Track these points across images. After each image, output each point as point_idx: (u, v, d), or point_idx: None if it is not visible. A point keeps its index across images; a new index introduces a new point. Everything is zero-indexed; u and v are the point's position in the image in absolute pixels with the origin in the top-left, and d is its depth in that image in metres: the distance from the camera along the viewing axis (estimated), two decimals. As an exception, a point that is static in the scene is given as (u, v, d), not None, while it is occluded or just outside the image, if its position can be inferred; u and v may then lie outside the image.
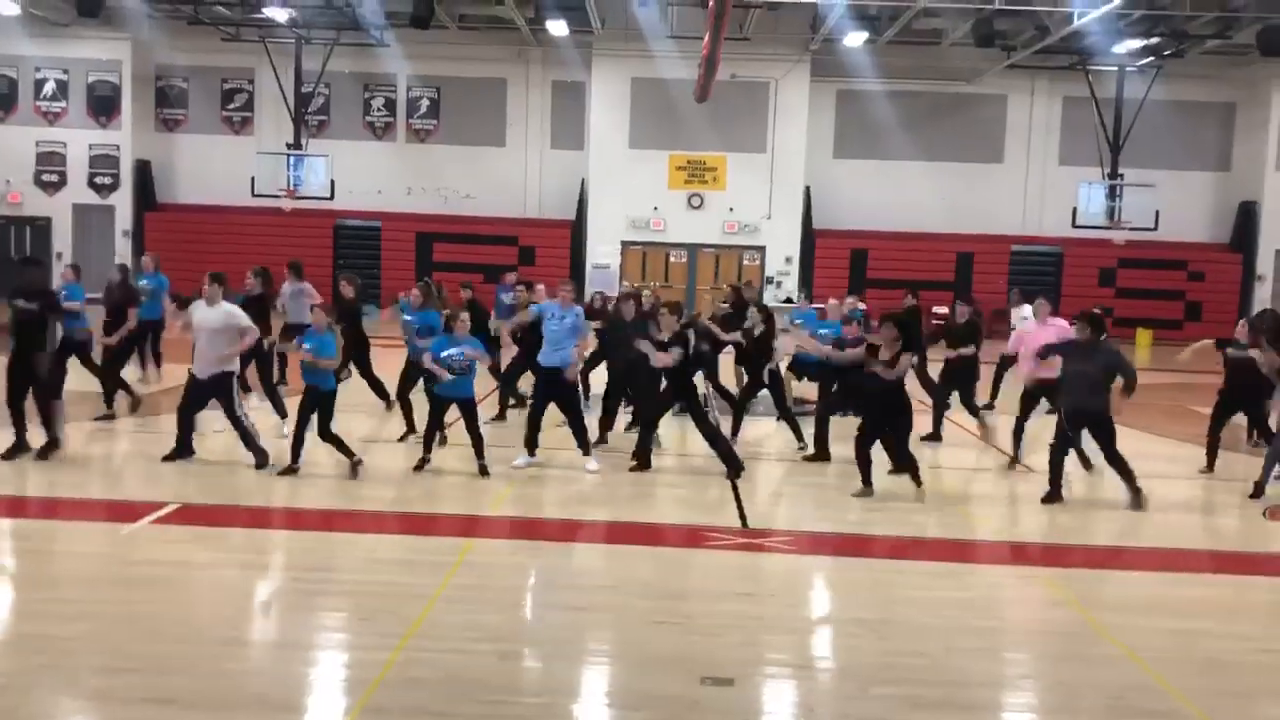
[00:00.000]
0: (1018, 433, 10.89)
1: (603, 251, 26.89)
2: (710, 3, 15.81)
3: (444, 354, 9.71)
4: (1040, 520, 9.24)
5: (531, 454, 10.17)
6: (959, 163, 27.56)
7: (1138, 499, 9.29)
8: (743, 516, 8.81)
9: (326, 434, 9.56)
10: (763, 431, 12.40)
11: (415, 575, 7.10)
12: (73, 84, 27.32)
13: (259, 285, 11.87)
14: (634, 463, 10.16)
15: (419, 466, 9.82)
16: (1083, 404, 9.23)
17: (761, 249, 27.17)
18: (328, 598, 6.69)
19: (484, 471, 9.73)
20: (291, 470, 9.47)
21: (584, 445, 10.26)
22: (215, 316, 9.76)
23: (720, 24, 15.76)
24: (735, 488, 9.68)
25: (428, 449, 9.89)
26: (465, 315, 10.15)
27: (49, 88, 27.35)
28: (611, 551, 8.08)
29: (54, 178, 27.49)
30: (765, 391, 11.56)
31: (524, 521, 8.74)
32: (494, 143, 28.04)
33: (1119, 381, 9.12)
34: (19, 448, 9.64)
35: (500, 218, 27.57)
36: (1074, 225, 26.25)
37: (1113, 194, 25.87)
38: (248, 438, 9.73)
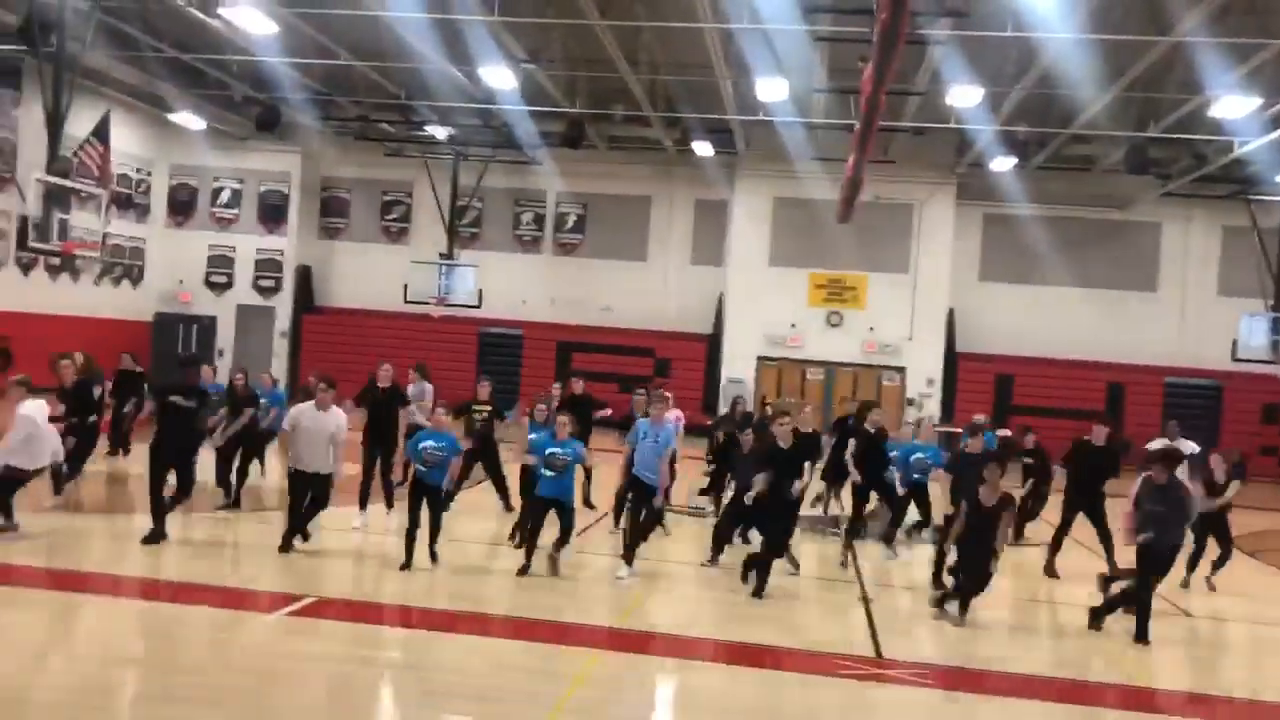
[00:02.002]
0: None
1: (738, 366, 26.89)
2: (855, 126, 15.96)
3: (547, 451, 9.81)
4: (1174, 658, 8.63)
5: (631, 565, 10.10)
6: (1110, 290, 26.78)
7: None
8: (876, 644, 8.48)
9: (435, 529, 9.79)
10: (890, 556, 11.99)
11: (538, 682, 7.02)
12: (246, 193, 29.17)
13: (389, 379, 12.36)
14: (753, 586, 9.85)
15: (521, 571, 9.80)
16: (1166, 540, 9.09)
17: (902, 370, 26.74)
18: (452, 699, 6.67)
19: (554, 571, 9.76)
20: (404, 567, 9.63)
21: (630, 554, 10.13)
22: (326, 424, 10.08)
23: (865, 146, 15.85)
24: (869, 613, 9.34)
25: (529, 554, 9.89)
26: (565, 419, 10.21)
27: (224, 195, 29.25)
28: (735, 673, 7.83)
29: (222, 279, 29.19)
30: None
31: (644, 635, 8.59)
32: (636, 257, 28.63)
33: None
34: (158, 535, 10.03)
35: (638, 330, 27.95)
36: (1234, 358, 25.04)
37: (1277, 327, 24.65)
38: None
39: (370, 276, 28.83)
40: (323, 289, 29.69)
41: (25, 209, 22.27)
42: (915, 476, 12.08)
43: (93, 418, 12.15)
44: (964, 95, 18.47)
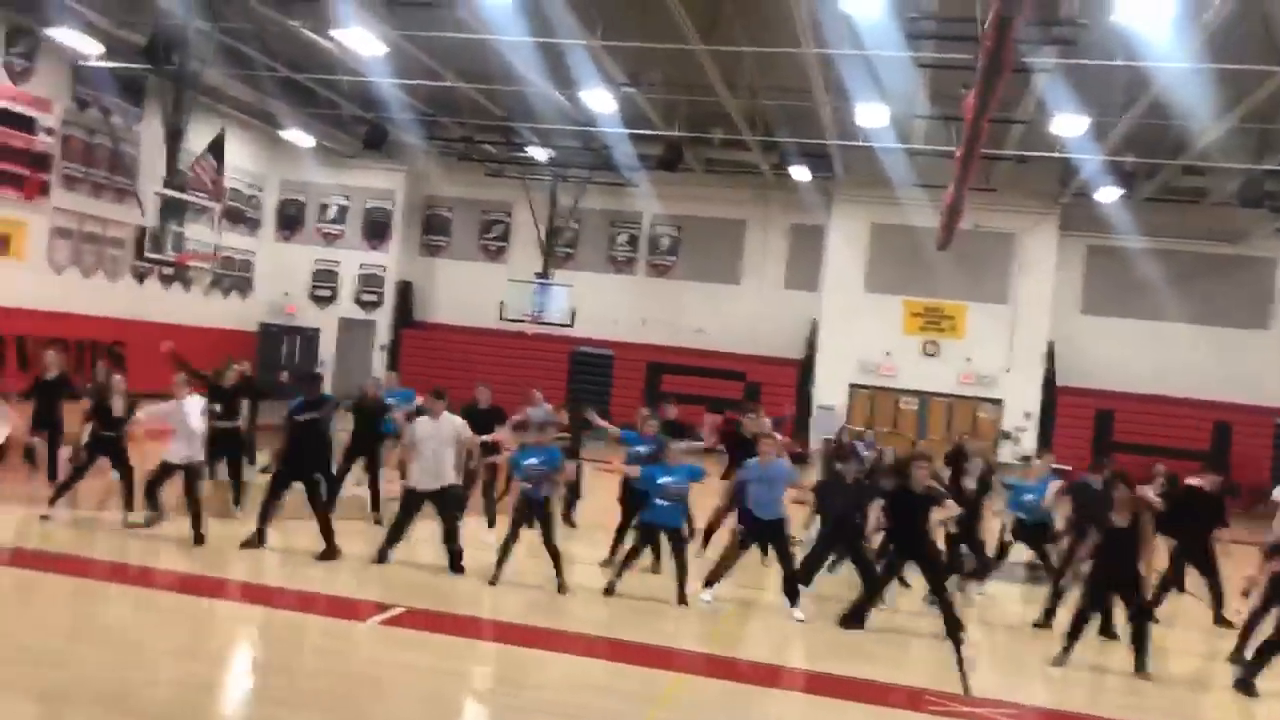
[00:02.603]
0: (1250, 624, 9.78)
1: (829, 393, 26.66)
2: (956, 153, 15.77)
3: (659, 481, 9.79)
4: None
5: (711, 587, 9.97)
6: (1220, 326, 25.89)
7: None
8: (965, 683, 8.31)
9: (551, 544, 9.82)
10: (992, 593, 11.73)
11: (620, 703, 7.05)
12: (351, 209, 29.97)
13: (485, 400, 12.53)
14: (848, 619, 9.71)
15: (609, 590, 9.83)
16: None
17: (998, 402, 26.22)
18: (535, 716, 6.74)
19: (682, 599, 9.66)
20: (493, 581, 9.75)
21: (793, 593, 9.95)
22: (444, 430, 10.24)
23: (966, 174, 15.66)
24: (959, 652, 9.16)
25: (619, 573, 9.91)
26: (678, 444, 10.21)
27: (331, 211, 30.09)
28: (819, 704, 7.75)
29: (326, 293, 29.99)
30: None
31: (730, 661, 8.55)
32: (729, 280, 28.63)
33: None
34: (258, 539, 10.32)
35: (729, 353, 27.90)
36: (1354, 400, 24.03)
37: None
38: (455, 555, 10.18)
39: (468, 293, 29.34)
40: (422, 304, 30.31)
41: (144, 220, 23.26)
42: (1024, 518, 11.61)
43: (238, 423, 12.45)
44: (1069, 124, 18.11)
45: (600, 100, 19.68)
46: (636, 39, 17.50)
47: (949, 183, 17.29)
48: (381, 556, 10.23)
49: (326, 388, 13.51)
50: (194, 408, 10.52)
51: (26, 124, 21.17)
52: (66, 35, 19.22)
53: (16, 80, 20.86)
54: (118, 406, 11.07)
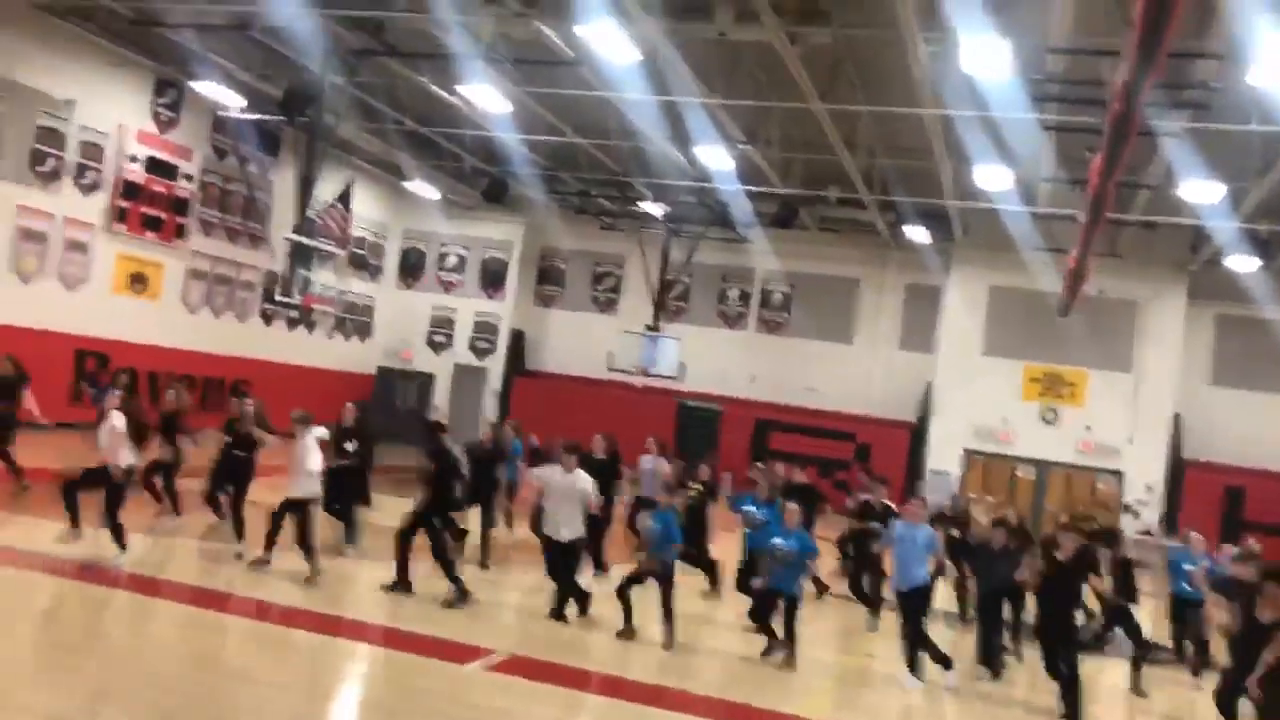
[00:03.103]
0: None
1: (943, 458, 26.02)
2: (1081, 217, 15.38)
3: (772, 542, 9.64)
4: None
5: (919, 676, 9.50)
6: (1363, 402, 24.55)
7: None
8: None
9: (668, 608, 9.73)
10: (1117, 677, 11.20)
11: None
12: (470, 258, 30.68)
13: (604, 451, 12.53)
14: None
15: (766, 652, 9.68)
16: None
17: (1119, 474, 25.24)
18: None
19: (790, 664, 9.46)
20: (627, 633, 9.71)
21: (943, 660, 9.58)
22: (568, 482, 10.30)
23: (1090, 239, 15.26)
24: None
25: (770, 636, 9.73)
26: (794, 507, 10.03)
27: (450, 260, 30.84)
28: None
29: (442, 339, 30.66)
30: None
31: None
32: (842, 339, 28.34)
33: None
34: (400, 584, 10.46)
35: (840, 413, 27.53)
36: None
37: None
38: (582, 597, 10.14)
39: (578, 343, 29.65)
40: (534, 353, 30.73)
41: (273, 264, 24.17)
42: (1186, 588, 10.95)
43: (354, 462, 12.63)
44: (1200, 189, 17.52)
45: (717, 157, 19.82)
46: (754, 97, 17.62)
47: (1072, 247, 16.86)
48: (557, 613, 10.23)
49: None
50: (312, 444, 10.77)
51: (169, 171, 22.32)
52: (210, 88, 20.27)
53: (162, 129, 22.04)
54: (252, 431, 11.46)
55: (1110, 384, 25.22)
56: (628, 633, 9.72)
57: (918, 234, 24.61)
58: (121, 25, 18.55)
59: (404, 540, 10.44)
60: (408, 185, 27.30)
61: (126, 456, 10.13)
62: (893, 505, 11.88)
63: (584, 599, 10.22)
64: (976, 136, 17.02)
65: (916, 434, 26.70)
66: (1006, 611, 10.40)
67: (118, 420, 10.19)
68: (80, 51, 19.56)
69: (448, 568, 10.36)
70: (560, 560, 10.21)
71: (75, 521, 10.10)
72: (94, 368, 20.41)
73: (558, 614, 10.17)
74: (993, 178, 18.55)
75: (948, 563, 10.91)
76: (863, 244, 27.37)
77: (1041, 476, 25.73)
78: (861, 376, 27.97)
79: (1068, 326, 23.78)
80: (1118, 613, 10.61)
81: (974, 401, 25.80)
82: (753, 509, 11.05)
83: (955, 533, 12.13)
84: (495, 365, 30.13)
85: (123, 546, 10.08)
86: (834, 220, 26.20)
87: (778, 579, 9.59)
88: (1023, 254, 23.64)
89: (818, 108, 16.87)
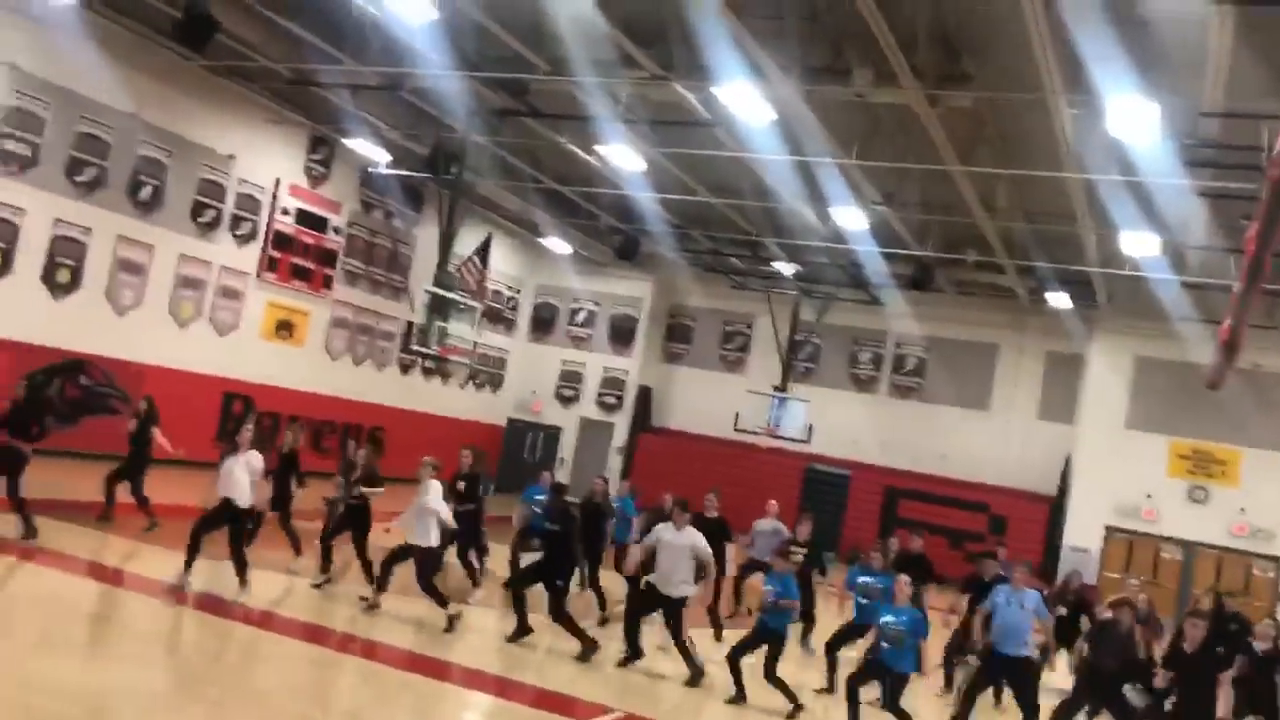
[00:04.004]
0: None
1: (1083, 534, 24.89)
2: (1235, 287, 14.66)
3: (882, 620, 9.29)
4: None
5: None
6: None
7: None
8: None
9: (772, 675, 9.53)
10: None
11: None
12: (600, 314, 31.04)
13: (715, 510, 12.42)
14: None
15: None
16: None
17: (1276, 560, 23.70)
18: None
19: None
20: (739, 699, 9.54)
21: None
22: (684, 541, 10.20)
23: (1245, 310, 14.49)
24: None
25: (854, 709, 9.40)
26: (905, 578, 9.68)
27: (581, 315, 31.26)
28: None
29: (571, 393, 30.99)
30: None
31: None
32: (977, 406, 27.54)
33: None
34: (522, 631, 10.52)
35: (973, 483, 26.67)
36: None
37: None
38: (689, 657, 9.96)
39: (705, 402, 29.56)
40: (660, 410, 30.77)
41: (412, 316, 24.91)
42: None
43: (471, 507, 12.83)
44: (1371, 260, 16.51)
45: (851, 217, 19.66)
46: (891, 158, 17.43)
47: (1225, 317, 16.06)
48: (631, 655, 10.21)
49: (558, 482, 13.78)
50: (436, 493, 10.94)
51: (319, 224, 23.32)
52: (360, 145, 21.20)
53: (314, 184, 23.07)
54: (361, 478, 11.74)
55: (1266, 464, 23.76)
56: (739, 699, 9.54)
57: (1059, 300, 23.85)
58: (280, 85, 19.55)
59: (519, 593, 10.49)
60: (543, 241, 27.89)
61: (252, 493, 10.50)
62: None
63: (696, 670, 10.06)
64: (1123, 201, 16.46)
65: (1055, 508, 25.64)
66: (1135, 698, 9.77)
67: (256, 459, 10.57)
68: (242, 109, 20.69)
69: (570, 625, 10.34)
70: (668, 617, 10.09)
71: (189, 564, 10.41)
72: (240, 410, 21.28)
73: (628, 660, 10.11)
74: (1140, 244, 17.89)
75: (1054, 641, 10.38)
76: (1001, 309, 26.66)
77: (1189, 558, 24.34)
78: (997, 446, 27.08)
79: (1219, 401, 22.54)
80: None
81: (1116, 476, 24.65)
82: (869, 579, 10.72)
83: (1063, 611, 11.62)
84: (621, 421, 30.26)
85: (244, 582, 10.39)
86: (972, 284, 25.63)
87: (885, 655, 9.26)
88: (1171, 323, 22.63)
89: (957, 170, 16.59)
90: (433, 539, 10.70)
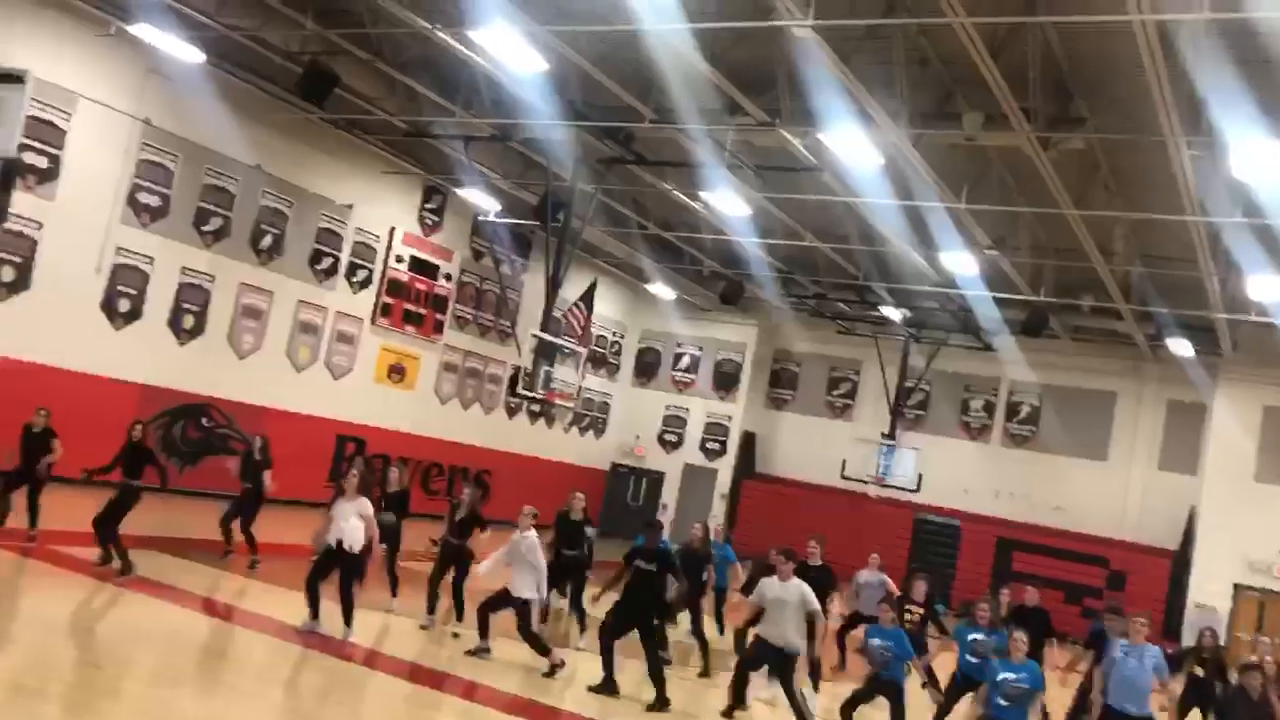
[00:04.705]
0: None
1: (1209, 591, 23.71)
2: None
3: (999, 678, 8.94)
4: None
5: None
6: None
7: None
8: None
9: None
10: None
11: None
12: (704, 359, 31.00)
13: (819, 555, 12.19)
14: None
15: None
16: None
17: None
18: None
19: None
20: None
21: None
22: (785, 592, 10.01)
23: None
24: None
25: None
26: (1020, 634, 9.30)
27: (684, 360, 31.28)
28: None
29: (674, 438, 30.95)
30: None
31: None
32: (1094, 456, 26.60)
33: None
34: (608, 683, 10.40)
35: (1090, 535, 25.71)
36: None
37: None
38: (801, 711, 9.79)
39: (810, 449, 29.21)
40: (765, 456, 30.49)
41: (519, 360, 25.25)
42: None
43: (579, 553, 12.77)
44: None
45: (961, 262, 19.33)
46: (1002, 202, 17.11)
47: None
48: (729, 710, 10.08)
49: (666, 531, 13.68)
50: (535, 543, 10.97)
51: (431, 271, 23.89)
52: (471, 194, 21.70)
53: (427, 232, 23.68)
54: (466, 519, 11.90)
55: None
56: None
57: (1180, 347, 22.97)
58: (396, 137, 20.18)
59: (606, 640, 10.40)
60: (648, 287, 28.05)
61: (362, 536, 10.69)
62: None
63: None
64: (1248, 245, 15.84)
65: (1177, 563, 24.52)
66: None
67: (365, 505, 10.79)
68: (359, 161, 21.41)
69: (658, 674, 10.22)
70: (778, 671, 9.91)
71: (315, 612, 10.64)
72: (352, 451, 21.78)
73: (731, 710, 9.98)
74: (1268, 289, 17.16)
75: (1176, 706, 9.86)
76: (1119, 356, 25.82)
77: (1327, 620, 23.00)
78: (1116, 497, 26.09)
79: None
80: None
81: (1246, 531, 23.46)
82: (978, 635, 10.31)
83: (1200, 671, 11.02)
84: (725, 466, 30.06)
85: (349, 624, 10.57)
86: (1088, 330, 24.90)
87: (1001, 713, 8.90)
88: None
89: (1071, 213, 16.20)
90: (529, 591, 10.75)
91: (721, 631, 14.04)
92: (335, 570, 10.67)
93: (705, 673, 11.98)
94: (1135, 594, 23.10)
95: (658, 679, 10.16)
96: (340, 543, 10.61)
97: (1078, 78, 13.35)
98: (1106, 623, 11.12)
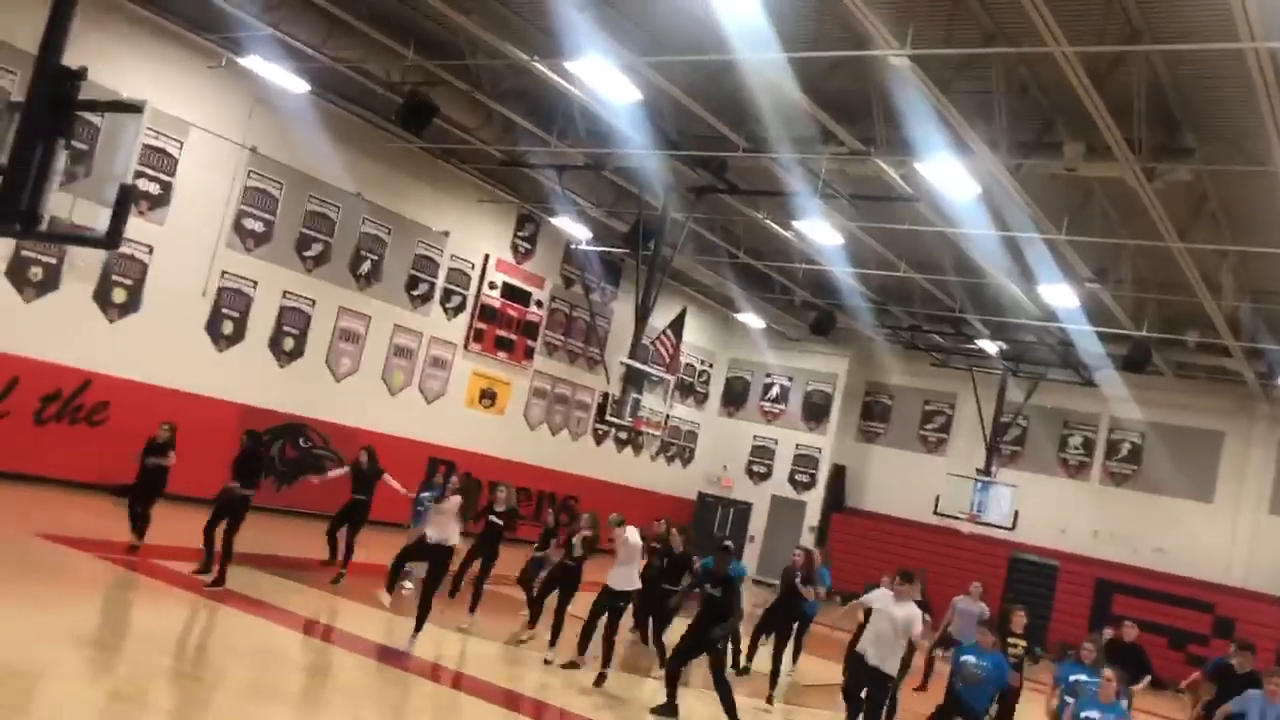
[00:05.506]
0: None
1: (1324, 643, 22.62)
2: None
3: (1084, 715, 8.65)
4: None
5: None
6: None
7: None
8: None
9: None
10: None
11: None
12: (793, 390, 30.72)
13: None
14: None
15: None
16: None
17: None
18: None
19: None
20: None
21: None
22: (897, 611, 9.73)
23: None
24: None
25: None
26: (1109, 673, 8.94)
27: (774, 391, 31.04)
28: None
29: (762, 469, 30.70)
30: None
31: None
32: (1200, 498, 25.62)
33: None
34: (668, 709, 10.34)
35: (1195, 580, 24.72)
36: None
37: None
38: None
39: (902, 483, 28.70)
40: (854, 490, 30.05)
41: (607, 387, 25.35)
42: None
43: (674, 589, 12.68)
44: None
45: (1061, 295, 18.88)
46: (1104, 234, 16.66)
47: None
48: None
49: (753, 565, 13.62)
50: (635, 541, 11.15)
51: (523, 297, 24.18)
52: (564, 222, 21.94)
53: (519, 259, 23.99)
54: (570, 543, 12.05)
55: None
56: None
57: (1294, 386, 22.09)
58: (492, 166, 20.53)
59: (674, 665, 10.32)
60: (737, 316, 27.95)
61: (454, 535, 10.89)
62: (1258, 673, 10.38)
63: None
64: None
65: (1292, 612, 23.44)
66: None
67: (453, 501, 10.97)
68: (456, 189, 21.83)
69: (727, 700, 10.09)
70: (871, 690, 9.63)
71: (391, 586, 11.07)
72: (444, 471, 22.02)
73: None
74: (1390, 326, 16.40)
75: None
76: (1227, 394, 24.89)
77: None
78: (1222, 540, 25.07)
79: None
80: None
81: (1365, 580, 22.37)
82: (1082, 676, 9.98)
83: None
84: (814, 499, 29.69)
85: (418, 630, 10.64)
86: (1193, 367, 24.07)
87: None
88: None
89: (1176, 246, 15.71)
90: (636, 582, 11.13)
91: (795, 660, 13.85)
92: (419, 560, 10.98)
93: (769, 700, 11.95)
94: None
95: (728, 705, 10.02)
96: (429, 536, 10.83)
97: (1185, 107, 12.97)
98: (1235, 660, 10.71)
